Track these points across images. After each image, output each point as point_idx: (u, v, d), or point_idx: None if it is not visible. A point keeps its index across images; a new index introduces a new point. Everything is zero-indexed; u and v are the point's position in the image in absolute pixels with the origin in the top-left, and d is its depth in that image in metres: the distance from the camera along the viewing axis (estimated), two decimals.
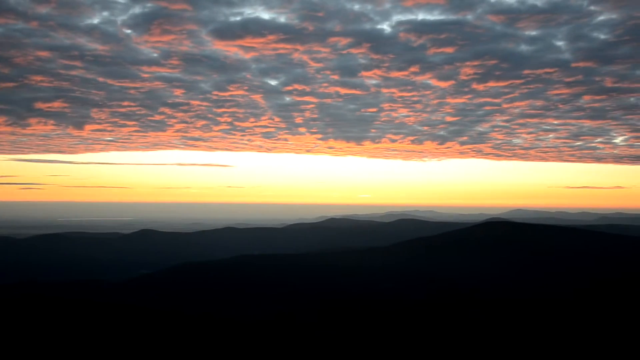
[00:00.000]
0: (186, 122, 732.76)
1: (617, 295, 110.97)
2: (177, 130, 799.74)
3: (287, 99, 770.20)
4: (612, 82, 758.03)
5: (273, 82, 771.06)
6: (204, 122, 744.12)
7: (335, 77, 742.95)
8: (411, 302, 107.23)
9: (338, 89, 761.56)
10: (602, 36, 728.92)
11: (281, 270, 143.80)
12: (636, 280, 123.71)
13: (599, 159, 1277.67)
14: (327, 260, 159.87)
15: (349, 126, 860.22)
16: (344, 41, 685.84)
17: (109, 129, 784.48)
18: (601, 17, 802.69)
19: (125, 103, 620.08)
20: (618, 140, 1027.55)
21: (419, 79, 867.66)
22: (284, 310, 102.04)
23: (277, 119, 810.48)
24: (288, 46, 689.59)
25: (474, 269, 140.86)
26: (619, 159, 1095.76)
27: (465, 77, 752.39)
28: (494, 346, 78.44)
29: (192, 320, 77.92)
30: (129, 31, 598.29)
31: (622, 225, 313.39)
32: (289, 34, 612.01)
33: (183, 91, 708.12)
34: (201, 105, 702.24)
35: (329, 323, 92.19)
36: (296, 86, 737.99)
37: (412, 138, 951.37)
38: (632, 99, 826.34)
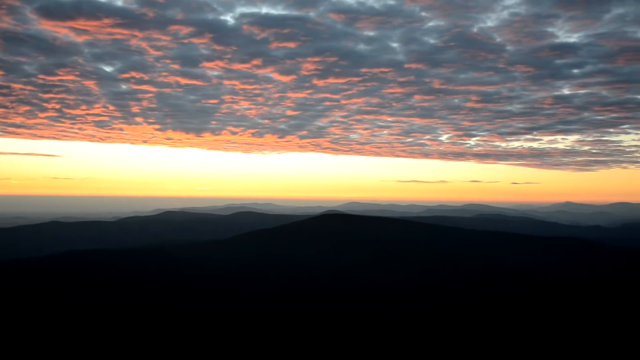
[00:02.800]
0: (6, 107, 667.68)
1: (442, 280, 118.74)
2: None
3: (124, 87, 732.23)
4: (439, 83, 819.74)
5: (108, 69, 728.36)
6: (27, 108, 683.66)
7: (176, 66, 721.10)
8: (252, 295, 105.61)
9: (178, 78, 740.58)
10: (432, 41, 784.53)
11: (111, 265, 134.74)
12: (456, 267, 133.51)
13: (426, 155, 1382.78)
14: (164, 253, 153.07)
15: (188, 117, 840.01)
16: (185, 30, 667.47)
17: None
18: (431, 23, 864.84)
19: None
20: (443, 137, 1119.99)
21: (261, 72, 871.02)
22: (117, 306, 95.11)
23: (111, 108, 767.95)
24: (125, 31, 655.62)
25: (311, 260, 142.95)
26: (443, 155, 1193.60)
27: (306, 73, 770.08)
28: (333, 333, 79.36)
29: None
30: None
31: (446, 216, 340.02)
32: (126, 18, 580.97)
33: (2, 73, 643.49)
34: (24, 90, 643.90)
35: (164, 318, 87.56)
36: (133, 74, 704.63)
37: (252, 131, 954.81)
38: (456, 100, 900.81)
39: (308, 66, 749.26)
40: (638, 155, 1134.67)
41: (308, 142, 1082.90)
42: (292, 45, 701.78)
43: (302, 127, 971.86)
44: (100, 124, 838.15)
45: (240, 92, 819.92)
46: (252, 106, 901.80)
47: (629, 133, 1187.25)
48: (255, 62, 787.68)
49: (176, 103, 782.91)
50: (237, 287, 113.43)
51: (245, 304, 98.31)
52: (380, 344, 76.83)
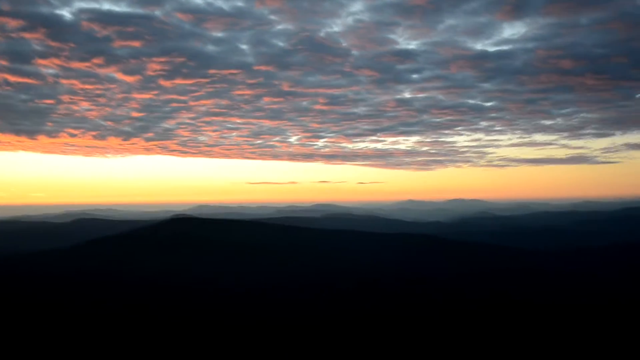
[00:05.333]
0: None
1: (296, 280, 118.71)
2: None
3: None
4: (288, 86, 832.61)
5: None
6: None
7: (4, 62, 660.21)
8: (97, 305, 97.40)
9: (7, 76, 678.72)
10: (281, 43, 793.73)
11: None
12: (308, 266, 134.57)
13: (276, 156, 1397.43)
14: None
15: (20, 118, 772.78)
16: (14, 23, 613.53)
17: None
18: (280, 26, 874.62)
19: None
20: (292, 139, 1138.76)
21: (103, 71, 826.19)
22: None
23: None
24: None
25: (160, 266, 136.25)
26: (293, 156, 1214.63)
27: (152, 73, 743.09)
28: (195, 341, 75.35)
29: None
30: None
31: (296, 217, 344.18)
32: None
33: None
34: None
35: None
36: None
37: (94, 133, 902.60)
38: (304, 102, 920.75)
39: (154, 66, 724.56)
40: (470, 155, 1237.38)
41: (154, 145, 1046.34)
42: (136, 44, 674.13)
43: (148, 129, 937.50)
44: None
45: (80, 92, 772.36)
46: (93, 107, 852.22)
47: (462, 134, 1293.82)
48: (96, 60, 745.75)
49: (5, 103, 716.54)
50: (79, 299, 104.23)
51: (89, 316, 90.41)
52: (250, 349, 74.35)
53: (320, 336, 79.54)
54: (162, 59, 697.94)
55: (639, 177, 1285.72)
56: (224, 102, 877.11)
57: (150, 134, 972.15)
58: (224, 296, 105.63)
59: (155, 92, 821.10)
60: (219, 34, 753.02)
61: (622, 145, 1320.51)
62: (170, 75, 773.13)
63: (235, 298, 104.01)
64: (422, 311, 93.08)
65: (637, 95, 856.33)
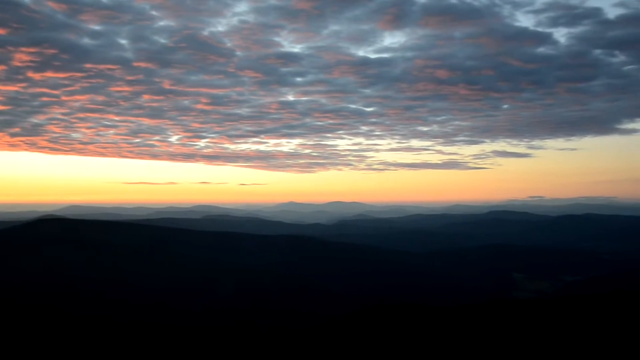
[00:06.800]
0: None
1: (171, 282, 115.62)
2: None
3: None
4: (169, 84, 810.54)
5: None
6: None
7: None
8: None
9: None
10: (162, 40, 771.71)
11: None
12: (183, 267, 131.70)
13: (155, 156, 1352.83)
14: None
15: None
16: None
17: None
18: (162, 23, 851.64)
19: None
20: (173, 139, 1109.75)
21: None
22: None
23: None
24: None
25: (26, 269, 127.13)
26: (173, 156, 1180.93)
27: (19, 64, 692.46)
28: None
29: None
30: None
31: (174, 218, 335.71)
32: None
33: None
34: None
35: None
36: None
37: None
38: (186, 101, 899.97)
39: (22, 57, 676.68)
40: (351, 158, 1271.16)
41: (21, 141, 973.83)
42: (2, 32, 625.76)
43: (13, 123, 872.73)
44: None
45: None
46: None
47: (343, 138, 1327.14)
48: None
49: None
50: None
51: None
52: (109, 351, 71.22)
53: (195, 342, 78.23)
54: (32, 50, 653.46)
55: (504, 183, 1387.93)
56: (100, 98, 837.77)
57: (16, 129, 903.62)
58: (86, 300, 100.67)
59: (23, 84, 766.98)
60: (96, 27, 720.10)
61: (490, 152, 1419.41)
62: (40, 67, 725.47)
63: (101, 302, 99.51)
64: (303, 313, 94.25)
65: (505, 106, 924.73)
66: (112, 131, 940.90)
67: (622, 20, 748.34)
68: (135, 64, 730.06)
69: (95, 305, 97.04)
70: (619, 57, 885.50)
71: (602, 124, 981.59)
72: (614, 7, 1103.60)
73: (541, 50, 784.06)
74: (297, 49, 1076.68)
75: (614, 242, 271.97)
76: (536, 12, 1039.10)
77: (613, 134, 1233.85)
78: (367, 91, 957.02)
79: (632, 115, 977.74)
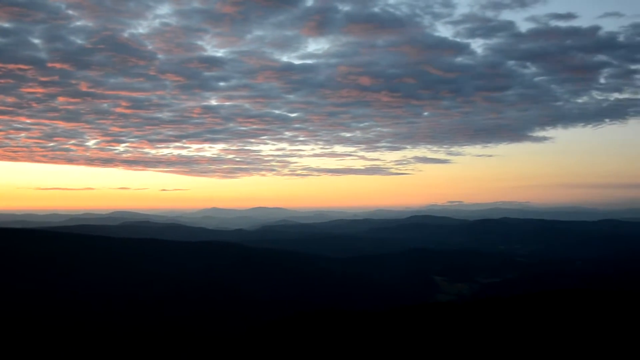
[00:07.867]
0: None
1: (88, 292, 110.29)
2: None
3: None
4: (87, 86, 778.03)
5: None
6: None
7: None
8: None
9: None
10: (79, 41, 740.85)
11: None
12: (101, 276, 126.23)
13: (71, 161, 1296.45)
14: None
15: None
16: None
17: None
18: (79, 23, 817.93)
19: None
20: (90, 143, 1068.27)
21: None
22: None
23: None
24: None
25: None
26: (90, 161, 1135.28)
27: None
28: None
29: None
30: None
31: (90, 225, 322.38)
32: None
33: None
34: None
35: None
36: None
37: None
38: (105, 104, 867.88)
39: None
40: (274, 164, 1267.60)
41: None
42: None
43: None
44: None
45: None
46: None
47: (267, 144, 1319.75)
48: None
49: None
50: None
51: None
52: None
53: (114, 350, 74.73)
54: None
55: (425, 188, 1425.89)
56: (10, 99, 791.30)
57: None
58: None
59: None
60: (6, 25, 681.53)
61: (411, 158, 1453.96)
62: None
63: (9, 314, 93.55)
64: (226, 319, 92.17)
65: (425, 114, 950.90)
66: (23, 134, 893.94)
67: (532, 34, 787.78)
68: (49, 64, 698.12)
69: (2, 318, 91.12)
70: (531, 69, 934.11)
71: (515, 132, 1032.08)
72: (525, 21, 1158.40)
73: (459, 60, 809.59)
74: (220, 53, 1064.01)
75: (527, 244, 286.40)
76: (455, 22, 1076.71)
77: (526, 141, 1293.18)
78: (291, 97, 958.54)
79: (542, 123, 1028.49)
